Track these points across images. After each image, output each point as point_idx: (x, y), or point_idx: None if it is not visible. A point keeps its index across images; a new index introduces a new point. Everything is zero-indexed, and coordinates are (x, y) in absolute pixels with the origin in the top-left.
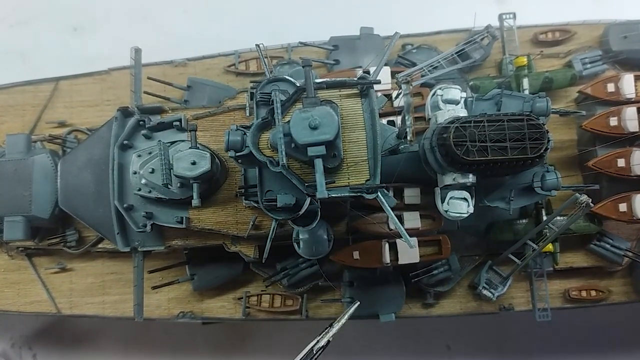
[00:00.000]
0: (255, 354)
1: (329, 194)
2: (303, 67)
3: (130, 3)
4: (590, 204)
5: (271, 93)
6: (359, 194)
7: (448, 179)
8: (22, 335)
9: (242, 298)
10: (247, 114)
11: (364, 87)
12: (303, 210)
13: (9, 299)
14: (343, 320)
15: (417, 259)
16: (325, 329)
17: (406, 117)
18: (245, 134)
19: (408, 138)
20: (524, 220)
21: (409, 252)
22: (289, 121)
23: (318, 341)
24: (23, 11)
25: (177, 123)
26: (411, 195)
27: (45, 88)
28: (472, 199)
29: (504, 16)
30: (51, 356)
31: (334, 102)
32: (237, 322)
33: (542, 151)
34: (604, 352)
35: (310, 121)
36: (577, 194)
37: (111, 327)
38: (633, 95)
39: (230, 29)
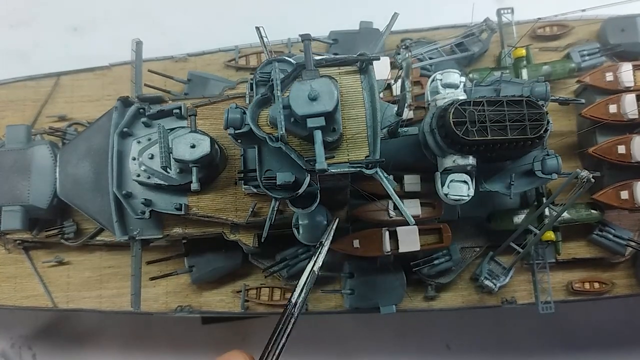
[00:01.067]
0: (255, 353)
1: (328, 168)
2: (302, 41)
3: (130, 3)
4: (592, 179)
5: (270, 72)
6: (358, 168)
7: (448, 162)
8: (21, 335)
9: (240, 291)
10: (247, 102)
11: (363, 64)
12: (302, 190)
13: (5, 293)
14: (330, 237)
15: (417, 247)
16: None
17: (405, 82)
18: (244, 112)
19: (407, 103)
20: (525, 210)
21: (410, 241)
22: (288, 96)
23: (315, 263)
24: (23, 11)
25: (177, 111)
26: (411, 182)
27: (47, 83)
28: (472, 182)
29: (502, 11)
30: (51, 356)
31: (333, 78)
32: (236, 321)
33: (541, 132)
34: (606, 347)
35: (309, 92)
36: (577, 170)
37: (112, 327)
38: (632, 84)
39: (231, 28)
